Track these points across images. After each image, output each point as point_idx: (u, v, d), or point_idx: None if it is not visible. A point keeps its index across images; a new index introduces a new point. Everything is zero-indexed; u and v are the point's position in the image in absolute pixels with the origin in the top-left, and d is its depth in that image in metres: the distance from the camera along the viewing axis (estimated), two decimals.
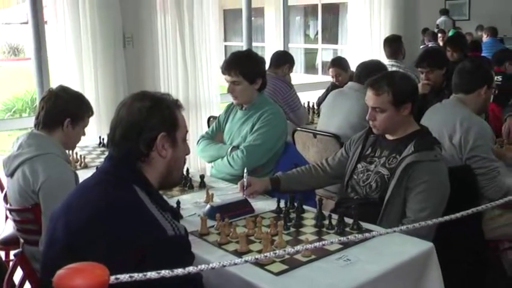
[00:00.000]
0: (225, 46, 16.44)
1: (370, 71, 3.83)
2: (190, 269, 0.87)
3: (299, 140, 3.98)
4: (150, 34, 4.68)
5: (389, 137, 2.70)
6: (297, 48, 15.64)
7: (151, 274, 0.80)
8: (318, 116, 4.93)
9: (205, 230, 2.26)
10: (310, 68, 15.11)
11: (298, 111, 4.60)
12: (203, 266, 0.90)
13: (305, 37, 15.97)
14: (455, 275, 2.38)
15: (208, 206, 2.51)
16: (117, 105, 1.82)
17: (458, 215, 1.79)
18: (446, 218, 1.68)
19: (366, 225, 2.30)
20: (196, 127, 4.95)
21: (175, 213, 1.77)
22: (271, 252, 1.01)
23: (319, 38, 14.46)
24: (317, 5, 14.27)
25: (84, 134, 2.76)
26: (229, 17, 16.21)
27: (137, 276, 0.80)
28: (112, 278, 0.77)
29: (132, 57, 4.68)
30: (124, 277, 0.79)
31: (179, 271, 0.84)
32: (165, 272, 0.81)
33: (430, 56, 4.48)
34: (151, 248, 1.55)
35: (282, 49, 5.97)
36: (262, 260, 1.96)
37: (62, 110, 2.57)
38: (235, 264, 0.93)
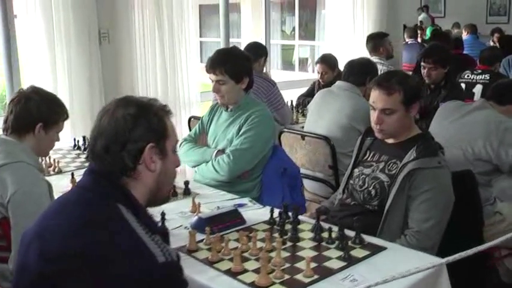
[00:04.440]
0: (201, 42, 16.16)
1: (360, 70, 3.68)
2: None
3: (286, 141, 3.79)
4: (127, 30, 4.44)
5: (388, 140, 2.53)
6: (274, 45, 15.42)
7: None
8: (303, 115, 4.76)
9: (194, 245, 2.07)
10: (287, 64, 14.93)
11: (282, 110, 4.39)
12: None
13: (282, 33, 15.76)
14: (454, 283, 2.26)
15: (196, 217, 2.32)
16: (99, 112, 1.60)
17: (468, 252, 1.62)
18: (456, 256, 1.52)
19: (368, 238, 2.12)
20: (176, 128, 4.72)
21: (165, 235, 1.57)
22: None
23: (296, 34, 14.26)
24: (294, 0, 14.08)
25: (58, 139, 2.53)
26: (205, 13, 15.92)
27: None
28: None
29: (108, 53, 4.42)
30: None
31: None
32: None
33: (437, 53, 4.30)
34: (140, 277, 1.36)
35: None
36: (260, 282, 1.78)
37: (33, 114, 2.33)
38: None
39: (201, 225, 2.21)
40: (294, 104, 5.11)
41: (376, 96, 2.44)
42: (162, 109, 1.63)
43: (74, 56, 4.17)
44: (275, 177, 3.02)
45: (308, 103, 4.32)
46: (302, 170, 3.77)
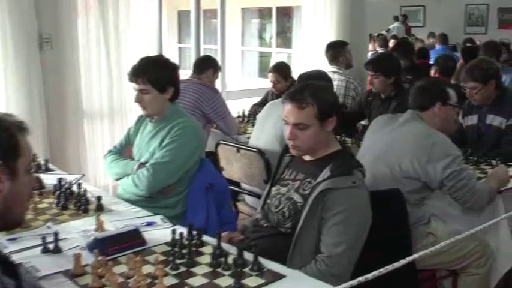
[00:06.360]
0: (179, 48, 16.02)
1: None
2: None
3: (222, 154, 3.64)
4: (71, 35, 4.24)
5: (306, 157, 2.38)
6: (252, 52, 15.33)
7: None
8: (252, 125, 4.63)
9: (79, 269, 1.91)
10: (264, 71, 14.82)
11: (227, 119, 4.24)
12: None
13: (260, 40, 15.64)
14: None
15: (91, 237, 2.16)
16: None
17: (389, 267, 1.52)
18: (380, 271, 1.44)
19: (269, 264, 1.97)
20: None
21: (8, 265, 1.42)
22: None
23: (273, 42, 14.17)
24: (271, 8, 13.99)
25: None
26: (184, 19, 15.78)
27: None
28: None
29: (51, 59, 4.22)
30: None
31: None
32: None
33: (379, 61, 4.31)
34: None
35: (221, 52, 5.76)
36: None
37: None
38: None
39: (96, 246, 2.05)
40: (247, 113, 4.97)
41: (288, 110, 2.29)
42: (17, 125, 1.48)
43: (11, 62, 3.97)
44: (200, 193, 2.88)
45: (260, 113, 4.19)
46: (241, 184, 3.64)
